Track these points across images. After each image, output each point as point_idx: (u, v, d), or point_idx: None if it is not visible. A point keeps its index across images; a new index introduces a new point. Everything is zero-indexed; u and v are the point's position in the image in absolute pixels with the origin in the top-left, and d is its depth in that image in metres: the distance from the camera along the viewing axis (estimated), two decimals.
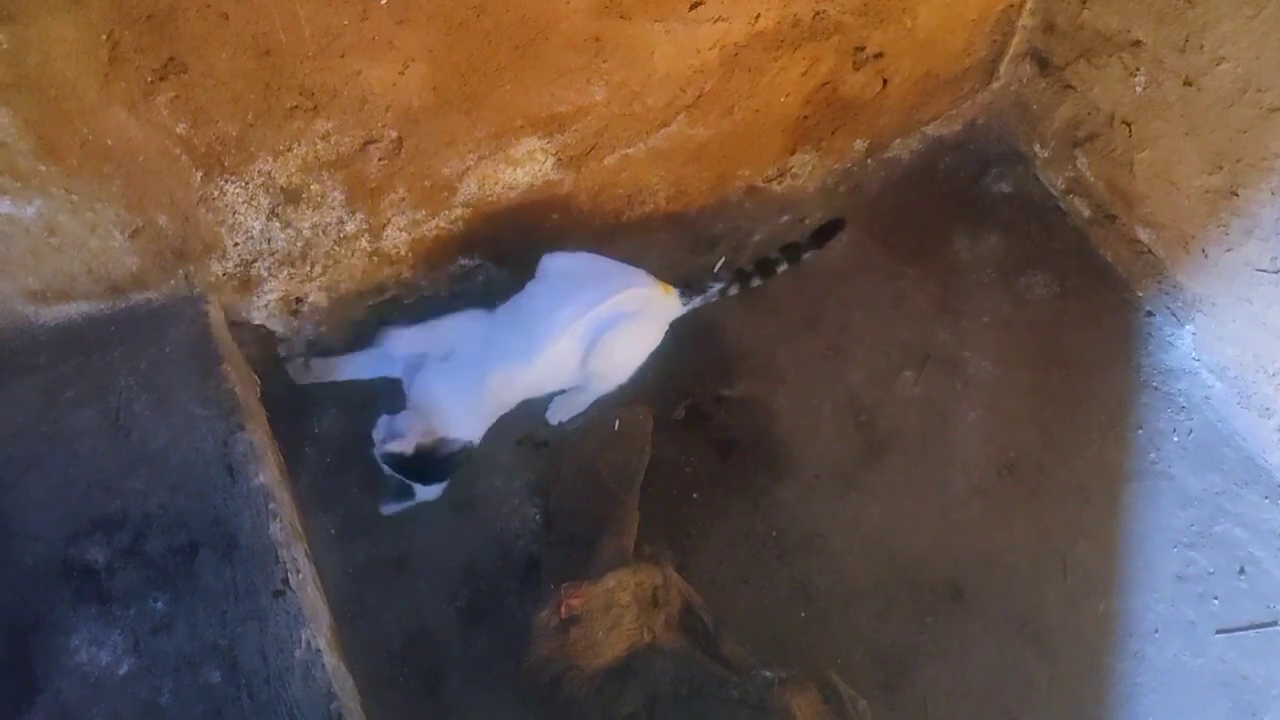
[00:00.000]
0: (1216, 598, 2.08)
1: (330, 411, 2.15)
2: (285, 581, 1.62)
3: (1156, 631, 2.04)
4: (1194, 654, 2.02)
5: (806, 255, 2.35)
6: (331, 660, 1.60)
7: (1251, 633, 2.03)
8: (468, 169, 1.97)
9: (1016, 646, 2.04)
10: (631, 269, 2.08)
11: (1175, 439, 2.25)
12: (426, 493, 2.07)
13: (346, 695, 1.60)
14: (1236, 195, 2.07)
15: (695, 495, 2.17)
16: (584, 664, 1.87)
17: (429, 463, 2.00)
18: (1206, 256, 2.21)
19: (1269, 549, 2.11)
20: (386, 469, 2.01)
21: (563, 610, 1.89)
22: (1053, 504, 2.18)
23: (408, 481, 2.03)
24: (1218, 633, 2.04)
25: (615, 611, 1.92)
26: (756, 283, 2.29)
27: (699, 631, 1.97)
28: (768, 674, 1.94)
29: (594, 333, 2.00)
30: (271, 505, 1.70)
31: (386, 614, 2.00)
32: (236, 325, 1.99)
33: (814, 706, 1.91)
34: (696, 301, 2.18)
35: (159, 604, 1.58)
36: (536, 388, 2.09)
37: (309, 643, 1.59)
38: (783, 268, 2.31)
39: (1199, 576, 2.10)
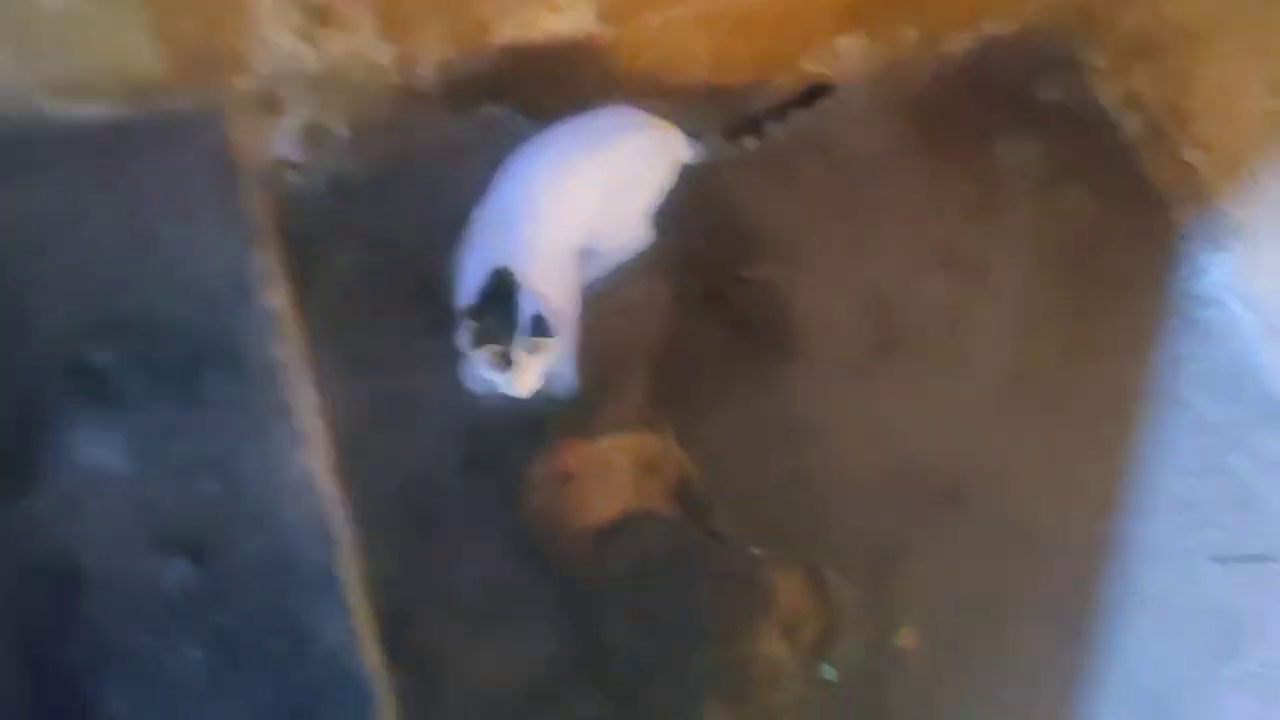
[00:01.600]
0: (1216, 527, 2.06)
1: (348, 246, 2.12)
2: (287, 403, 1.62)
3: (1151, 554, 2.04)
4: (1185, 580, 2.02)
5: (792, 113, 2.23)
6: (326, 485, 1.61)
7: (1246, 565, 2.02)
8: (507, 11, 1.91)
9: (1010, 553, 2.04)
10: (633, 114, 2.01)
11: (1197, 366, 2.21)
12: None
13: (338, 521, 1.61)
14: None
15: (704, 372, 2.15)
16: (576, 522, 1.89)
17: None
18: (1255, 183, 2.14)
19: (1275, 483, 2.09)
20: None
21: (559, 467, 1.90)
22: (1064, 418, 2.16)
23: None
24: (1211, 560, 2.03)
25: (611, 474, 1.93)
26: (751, 142, 2.20)
27: (693, 504, 1.98)
28: (756, 551, 1.96)
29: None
30: (280, 327, 1.69)
31: (387, 453, 2.00)
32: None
33: (798, 587, 1.94)
34: (703, 150, 2.10)
35: (162, 411, 1.59)
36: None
37: (305, 465, 1.60)
38: (773, 125, 2.21)
39: (1201, 505, 2.08)
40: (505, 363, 1.74)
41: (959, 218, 2.36)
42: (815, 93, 2.27)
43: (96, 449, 1.55)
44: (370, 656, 1.54)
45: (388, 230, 2.13)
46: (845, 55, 2.39)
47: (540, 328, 1.71)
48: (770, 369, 2.17)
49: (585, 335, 2.09)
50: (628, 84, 2.17)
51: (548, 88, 2.08)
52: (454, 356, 2.06)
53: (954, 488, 2.08)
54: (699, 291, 2.22)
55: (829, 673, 1.90)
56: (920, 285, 2.28)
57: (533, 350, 1.75)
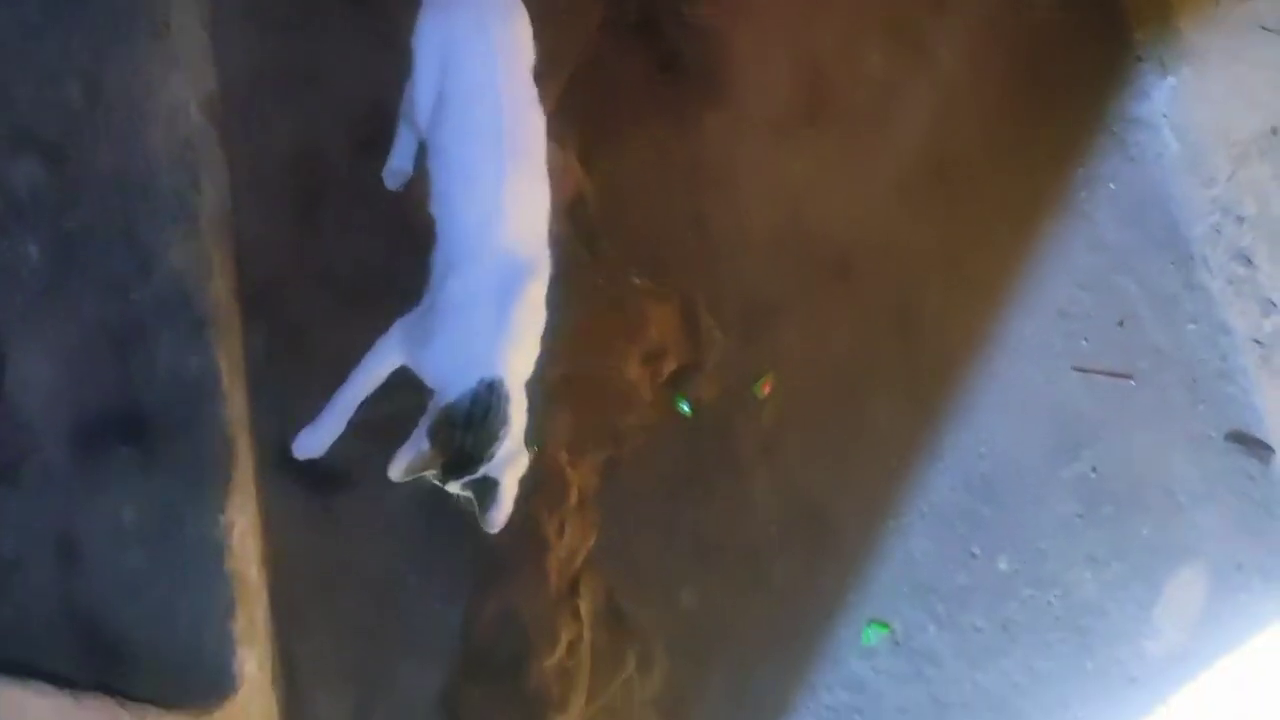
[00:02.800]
0: (1087, 339, 2.11)
1: None
2: (167, 25, 1.57)
3: (1019, 352, 2.08)
4: (1043, 380, 2.08)
5: None
6: (199, 118, 1.58)
7: (1104, 378, 2.08)
8: None
9: (883, 331, 2.08)
10: None
11: (1112, 186, 2.21)
12: None
13: (207, 154, 1.59)
14: None
15: (624, 99, 2.09)
16: None
17: None
18: (1219, 4, 2.08)
19: (1155, 310, 2.13)
20: None
21: None
22: (969, 213, 2.16)
23: None
24: (1073, 369, 2.08)
25: None
26: None
27: (583, 223, 1.98)
28: (636, 280, 1.97)
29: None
30: None
31: (281, 122, 1.93)
32: None
33: (670, 320, 1.97)
34: None
35: (32, 10, 1.52)
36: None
37: (179, 93, 1.56)
38: None
39: (1080, 315, 2.12)
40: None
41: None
42: None
43: None
44: (217, 291, 1.54)
45: None
46: None
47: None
48: (690, 111, 2.12)
49: None
50: None
51: None
52: (366, 33, 1.98)
53: (843, 258, 2.10)
54: (634, 16, 2.14)
55: (682, 406, 1.96)
56: (861, 56, 2.22)
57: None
